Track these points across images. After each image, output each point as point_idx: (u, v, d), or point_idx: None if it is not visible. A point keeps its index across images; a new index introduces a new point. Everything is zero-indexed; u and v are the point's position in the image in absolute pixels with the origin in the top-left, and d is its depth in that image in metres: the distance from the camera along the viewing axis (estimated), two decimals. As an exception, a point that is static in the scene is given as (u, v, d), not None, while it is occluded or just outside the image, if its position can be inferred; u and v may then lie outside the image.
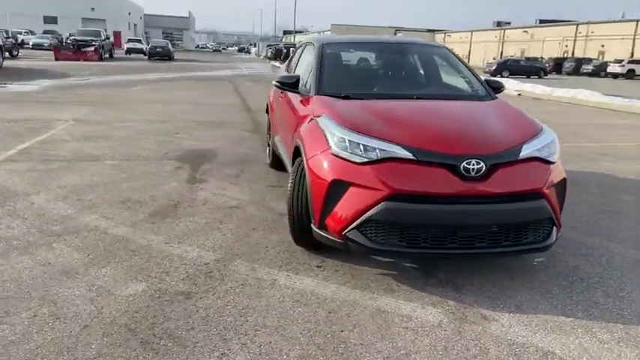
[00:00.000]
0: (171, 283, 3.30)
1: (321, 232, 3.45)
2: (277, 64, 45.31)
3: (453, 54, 5.10)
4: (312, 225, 3.54)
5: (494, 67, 42.66)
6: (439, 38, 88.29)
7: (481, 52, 77.64)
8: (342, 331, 2.83)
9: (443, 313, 3.06)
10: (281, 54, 46.43)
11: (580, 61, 52.22)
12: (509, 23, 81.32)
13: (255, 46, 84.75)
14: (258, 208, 4.91)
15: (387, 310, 3.07)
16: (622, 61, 47.37)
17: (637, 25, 55.90)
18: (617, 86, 30.02)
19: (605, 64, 48.87)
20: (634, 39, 56.02)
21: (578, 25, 64.53)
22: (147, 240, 4.00)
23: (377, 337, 2.78)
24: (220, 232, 4.23)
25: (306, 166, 3.55)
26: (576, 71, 50.48)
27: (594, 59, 53.78)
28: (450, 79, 4.80)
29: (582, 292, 3.39)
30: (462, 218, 3.19)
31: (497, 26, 79.50)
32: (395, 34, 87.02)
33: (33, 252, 3.71)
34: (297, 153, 3.93)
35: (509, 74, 40.02)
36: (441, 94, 4.57)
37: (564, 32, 65.61)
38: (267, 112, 6.60)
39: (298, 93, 4.48)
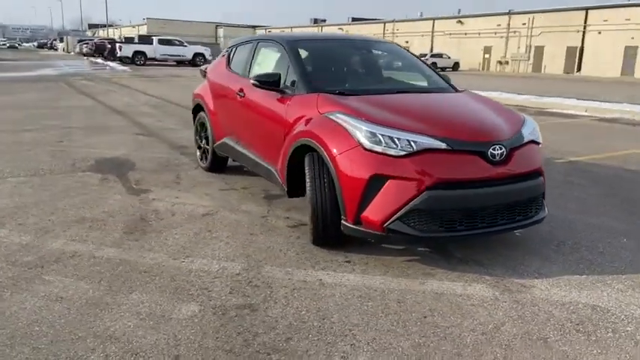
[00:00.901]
0: (222, 299, 3.10)
1: (356, 228, 3.51)
2: (100, 60, 42.04)
3: (406, 49, 5.44)
4: (343, 222, 3.58)
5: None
6: (260, 33, 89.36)
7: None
8: (424, 317, 2.96)
9: (489, 287, 3.35)
10: (104, 50, 43.07)
11: (391, 56, 57.21)
12: (324, 20, 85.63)
13: (62, 41, 77.13)
14: (233, 212, 4.73)
15: (443, 292, 3.26)
16: (425, 55, 52.88)
17: (433, 22, 63.06)
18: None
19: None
20: (432, 35, 63.11)
21: (385, 23, 70.60)
22: (150, 259, 3.65)
23: (458, 317, 2.96)
24: (221, 241, 4.02)
25: (332, 164, 3.56)
26: (389, 65, 55.19)
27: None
28: (414, 73, 5.09)
29: (572, 252, 3.95)
30: (490, 199, 3.52)
31: (315, 23, 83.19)
32: (216, 29, 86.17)
33: (28, 288, 3.17)
34: (300, 151, 3.91)
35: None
36: (423, 87, 4.83)
37: (375, 29, 71.20)
38: (195, 112, 6.27)
39: (280, 92, 4.40)
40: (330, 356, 2.56)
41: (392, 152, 3.40)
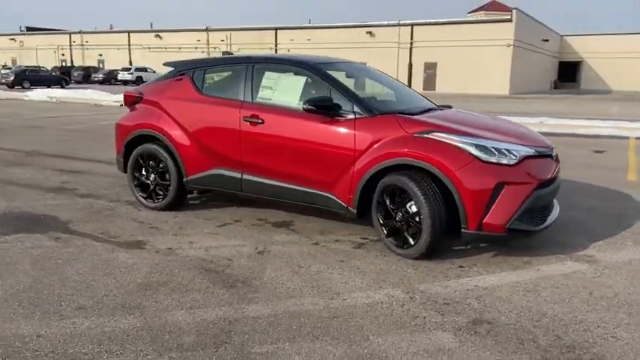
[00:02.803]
0: (465, 323, 3.21)
1: (478, 233, 3.96)
2: None
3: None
4: (463, 230, 3.97)
5: (12, 78, 38.82)
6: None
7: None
8: (552, 303, 3.63)
9: (570, 263, 4.19)
10: None
11: (88, 70, 53.36)
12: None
13: None
14: (278, 245, 4.50)
15: (543, 277, 3.91)
16: (130, 69, 51.14)
17: (129, 35, 61.21)
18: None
19: (115, 72, 51.59)
20: (129, 48, 61.21)
21: (71, 34, 65.14)
22: (309, 304, 3.38)
23: (573, 293, 3.61)
24: (335, 274, 3.90)
25: (450, 179, 3.91)
26: (86, 79, 51.36)
27: (101, 68, 56.09)
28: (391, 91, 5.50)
29: (591, 230, 5.10)
30: (554, 194, 4.40)
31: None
32: None
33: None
34: (380, 173, 4.16)
35: (31, 85, 37.53)
36: (432, 105, 5.26)
37: (58, 41, 65.04)
38: (131, 145, 5.50)
39: (338, 115, 4.39)
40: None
41: (505, 161, 3.96)
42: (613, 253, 4.41)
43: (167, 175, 5.36)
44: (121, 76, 50.09)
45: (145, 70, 51.51)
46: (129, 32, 61.50)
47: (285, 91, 4.84)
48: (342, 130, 4.38)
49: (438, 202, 3.97)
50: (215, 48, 55.13)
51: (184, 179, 5.24)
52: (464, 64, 40.33)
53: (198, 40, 55.94)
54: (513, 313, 3.30)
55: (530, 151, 4.14)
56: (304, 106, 4.44)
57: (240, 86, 4.98)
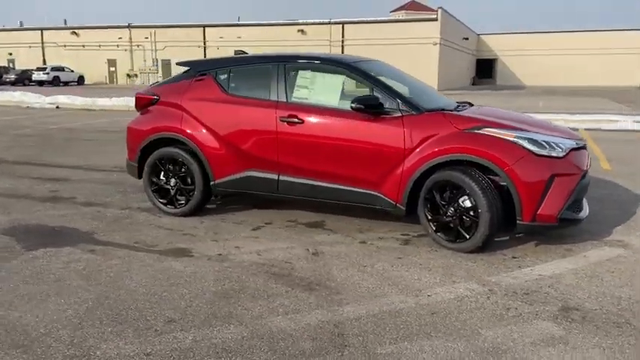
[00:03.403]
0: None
1: (532, 224, 4.14)
2: None
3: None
4: (519, 222, 4.14)
5: None
6: None
7: None
8: (619, 287, 3.89)
9: (608, 249, 4.46)
10: None
11: (-1, 70, 49.81)
12: None
13: None
14: (336, 245, 4.48)
15: (593, 263, 4.14)
16: (45, 68, 48.23)
17: (42, 33, 57.64)
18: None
19: (28, 72, 48.41)
20: (42, 46, 57.65)
21: (-26, 31, 60.39)
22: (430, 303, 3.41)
23: (630, 276, 3.88)
24: (407, 273, 3.95)
25: (506, 173, 4.06)
26: (-2, 80, 47.82)
27: (12, 68, 52.51)
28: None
29: (605, 218, 5.41)
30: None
31: None
32: None
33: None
34: (430, 170, 4.28)
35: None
36: (458, 103, 5.36)
37: (-41, 38, 60.21)
38: (147, 149, 5.30)
39: (384, 113, 4.42)
40: None
41: (555, 154, 4.17)
42: (637, 237, 4.75)
43: (189, 180, 5.17)
44: (36, 76, 47.04)
45: (62, 69, 48.81)
46: (42, 29, 57.88)
47: (323, 90, 4.81)
48: (391, 128, 4.42)
49: (494, 196, 4.11)
50: (139, 46, 53.16)
51: (211, 183, 5.07)
52: (395, 62, 41.05)
53: (120, 38, 53.71)
54: (592, 298, 3.48)
55: (573, 144, 4.38)
56: (353, 105, 4.42)
57: (272, 86, 4.87)
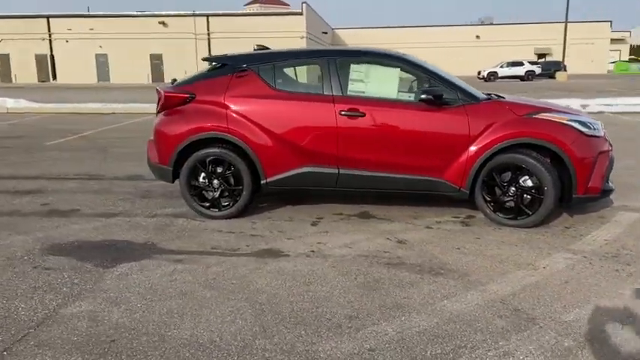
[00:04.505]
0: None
1: (584, 197, 4.71)
2: None
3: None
4: (574, 196, 4.67)
5: None
6: None
7: None
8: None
9: (628, 213, 5.21)
10: None
11: None
12: None
13: None
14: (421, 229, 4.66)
15: (631, 224, 4.92)
16: None
17: None
18: None
19: None
20: None
21: None
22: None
23: None
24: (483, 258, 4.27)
25: (565, 153, 4.55)
26: None
27: None
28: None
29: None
30: None
31: None
32: None
33: None
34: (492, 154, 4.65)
35: None
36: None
37: None
38: (185, 152, 4.99)
39: (446, 104, 4.67)
40: None
41: (597, 134, 4.76)
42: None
43: (232, 180, 4.96)
44: None
45: None
46: None
47: (381, 83, 4.90)
48: (455, 117, 4.68)
49: (555, 174, 4.59)
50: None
51: (263, 181, 4.92)
52: (263, 55, 41.43)
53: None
54: (664, 253, 4.11)
55: (602, 125, 5.03)
56: (423, 97, 4.62)
57: (325, 80, 4.86)
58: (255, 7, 73.26)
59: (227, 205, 5.01)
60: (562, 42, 39.83)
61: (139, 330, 2.97)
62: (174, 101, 5.04)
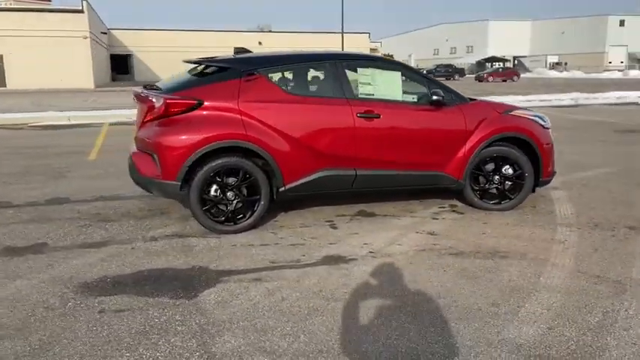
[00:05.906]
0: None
1: (547, 179, 5.59)
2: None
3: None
4: (541, 180, 5.51)
5: None
6: None
7: None
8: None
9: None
10: None
11: None
12: None
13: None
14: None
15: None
16: None
17: None
18: None
19: None
20: None
21: None
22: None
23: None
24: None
25: (535, 143, 5.32)
26: None
27: None
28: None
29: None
30: None
31: None
32: None
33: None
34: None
35: None
36: None
37: None
38: (196, 164, 4.53)
39: (444, 105, 5.07)
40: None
41: (548, 126, 5.65)
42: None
43: (246, 191, 4.66)
44: None
45: None
46: None
47: (387, 86, 5.04)
48: (454, 116, 5.12)
49: (529, 162, 5.35)
50: None
51: (281, 189, 4.70)
52: (40, 57, 36.72)
53: None
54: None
55: None
56: (435, 98, 4.95)
57: (336, 84, 4.87)
58: (10, 3, 64.29)
59: (241, 218, 4.66)
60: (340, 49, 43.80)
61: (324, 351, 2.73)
62: (178, 108, 4.48)
